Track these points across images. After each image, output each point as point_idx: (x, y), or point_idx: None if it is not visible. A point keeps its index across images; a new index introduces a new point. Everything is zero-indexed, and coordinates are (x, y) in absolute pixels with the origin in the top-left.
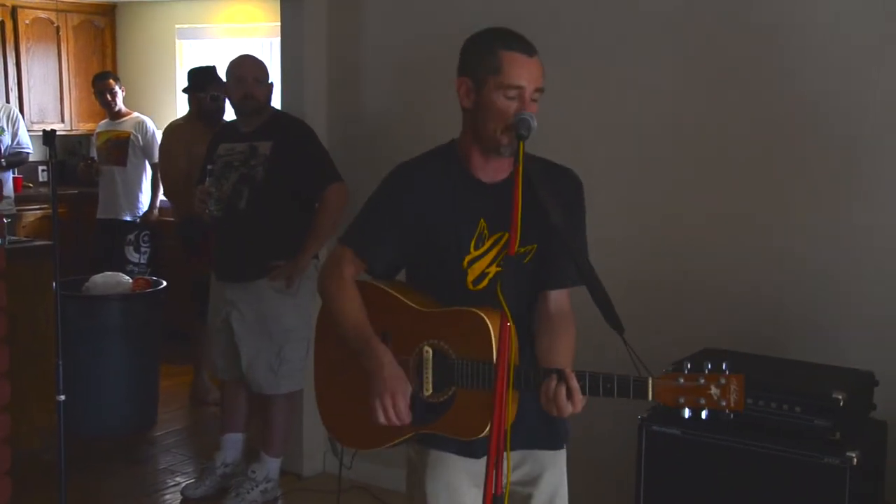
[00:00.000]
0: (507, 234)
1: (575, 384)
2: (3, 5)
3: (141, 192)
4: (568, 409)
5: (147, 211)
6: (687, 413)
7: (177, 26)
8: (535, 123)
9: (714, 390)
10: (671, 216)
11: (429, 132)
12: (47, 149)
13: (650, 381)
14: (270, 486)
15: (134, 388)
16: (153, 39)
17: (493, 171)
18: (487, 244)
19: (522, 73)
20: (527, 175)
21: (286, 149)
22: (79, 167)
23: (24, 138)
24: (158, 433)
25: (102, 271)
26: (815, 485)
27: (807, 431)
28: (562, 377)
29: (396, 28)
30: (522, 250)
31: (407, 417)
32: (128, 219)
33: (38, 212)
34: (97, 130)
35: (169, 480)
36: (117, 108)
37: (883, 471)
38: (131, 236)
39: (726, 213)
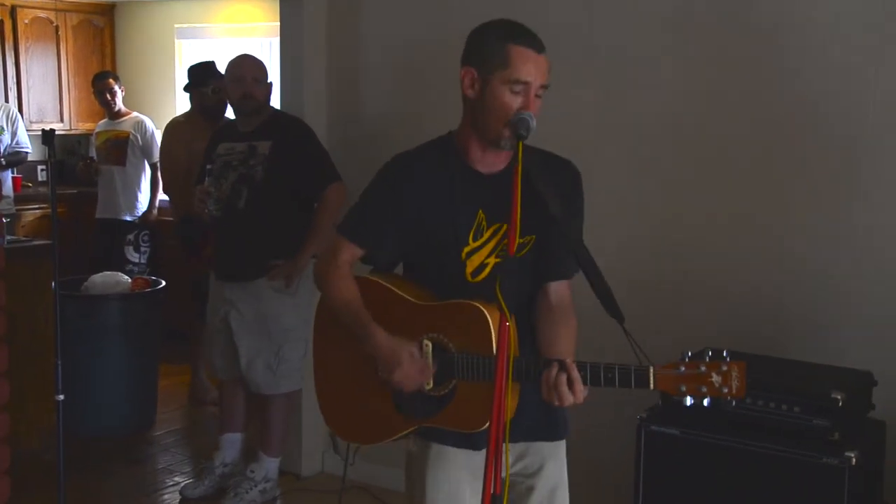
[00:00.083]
0: (505, 226)
1: (576, 374)
2: (3, 5)
3: (140, 191)
4: (569, 398)
5: (146, 211)
6: (689, 401)
7: (176, 26)
8: (534, 124)
9: (715, 377)
10: (671, 216)
11: (428, 132)
12: (46, 148)
13: (651, 370)
14: (269, 485)
15: (133, 387)
16: (152, 39)
17: (491, 162)
18: (486, 235)
19: (530, 68)
20: (525, 166)
21: (285, 148)
22: (78, 167)
23: (24, 138)
24: (157, 433)
25: (102, 271)
26: (814, 485)
27: (806, 431)
28: (563, 367)
29: (396, 28)
30: (521, 241)
31: (428, 373)
32: (127, 218)
33: (37, 211)
34: (96, 130)
35: (168, 480)
36: (117, 108)
37: (881, 471)
38: (131, 236)
39: (726, 213)
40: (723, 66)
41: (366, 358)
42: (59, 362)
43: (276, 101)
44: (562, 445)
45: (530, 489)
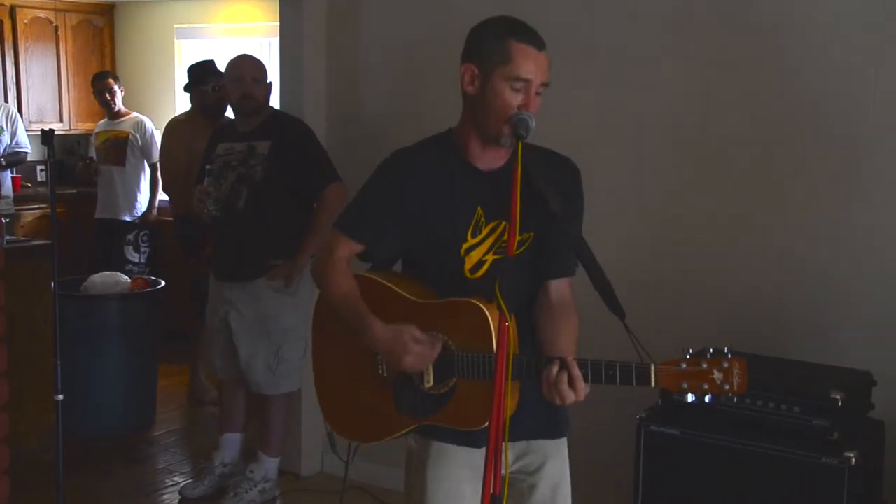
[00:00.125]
0: (504, 223)
1: (577, 372)
2: (2, 5)
3: (140, 191)
4: (570, 396)
5: (146, 211)
6: (690, 398)
7: (176, 26)
8: (533, 124)
9: (717, 374)
10: (671, 216)
11: (428, 132)
12: (46, 148)
13: (653, 367)
14: (269, 485)
15: (132, 387)
16: (152, 39)
17: (490, 158)
18: (484, 232)
19: (532, 65)
20: (525, 164)
21: (285, 148)
22: (77, 167)
23: (23, 138)
24: (157, 433)
25: (101, 271)
26: (814, 485)
27: (805, 431)
28: (563, 365)
29: (396, 28)
30: (519, 238)
31: (436, 349)
32: (127, 219)
33: (36, 211)
34: (96, 130)
35: (167, 480)
36: (116, 108)
37: (881, 470)
38: (130, 236)
39: (726, 213)
40: (723, 66)
41: (365, 355)
42: (59, 362)
43: (275, 101)
44: (563, 443)
45: (532, 487)
